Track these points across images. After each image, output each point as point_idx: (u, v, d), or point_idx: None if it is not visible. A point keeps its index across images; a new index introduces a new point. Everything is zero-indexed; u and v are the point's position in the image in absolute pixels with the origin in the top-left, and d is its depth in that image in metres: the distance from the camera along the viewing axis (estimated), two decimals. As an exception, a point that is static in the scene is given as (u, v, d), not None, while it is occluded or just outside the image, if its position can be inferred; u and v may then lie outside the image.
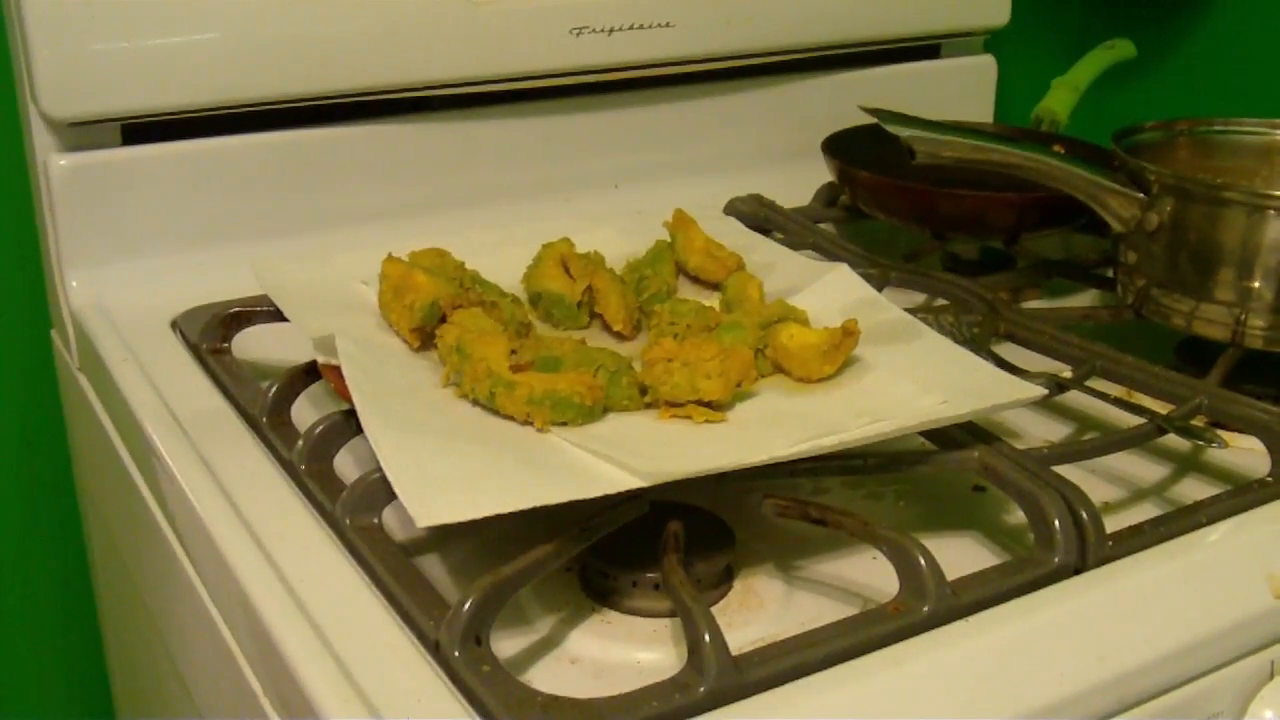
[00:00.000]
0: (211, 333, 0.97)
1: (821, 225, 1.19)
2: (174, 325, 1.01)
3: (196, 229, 1.10)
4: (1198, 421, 0.86)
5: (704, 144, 1.29)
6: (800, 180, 1.25)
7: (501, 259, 0.97)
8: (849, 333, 0.82)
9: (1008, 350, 0.95)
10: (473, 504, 0.65)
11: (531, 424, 0.76)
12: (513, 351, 0.82)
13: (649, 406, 0.79)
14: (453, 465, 0.70)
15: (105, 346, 0.98)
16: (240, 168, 1.10)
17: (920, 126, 0.92)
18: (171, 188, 1.08)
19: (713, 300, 0.94)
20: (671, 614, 0.72)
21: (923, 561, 0.68)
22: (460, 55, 1.15)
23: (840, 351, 0.82)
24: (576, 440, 0.74)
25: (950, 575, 0.69)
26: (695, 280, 0.98)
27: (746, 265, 0.98)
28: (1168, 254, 0.94)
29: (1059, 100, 1.23)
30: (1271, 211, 0.89)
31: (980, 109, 1.40)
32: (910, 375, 0.81)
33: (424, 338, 0.87)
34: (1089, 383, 0.90)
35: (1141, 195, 0.94)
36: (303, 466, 0.80)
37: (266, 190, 1.12)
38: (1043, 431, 0.93)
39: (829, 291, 0.93)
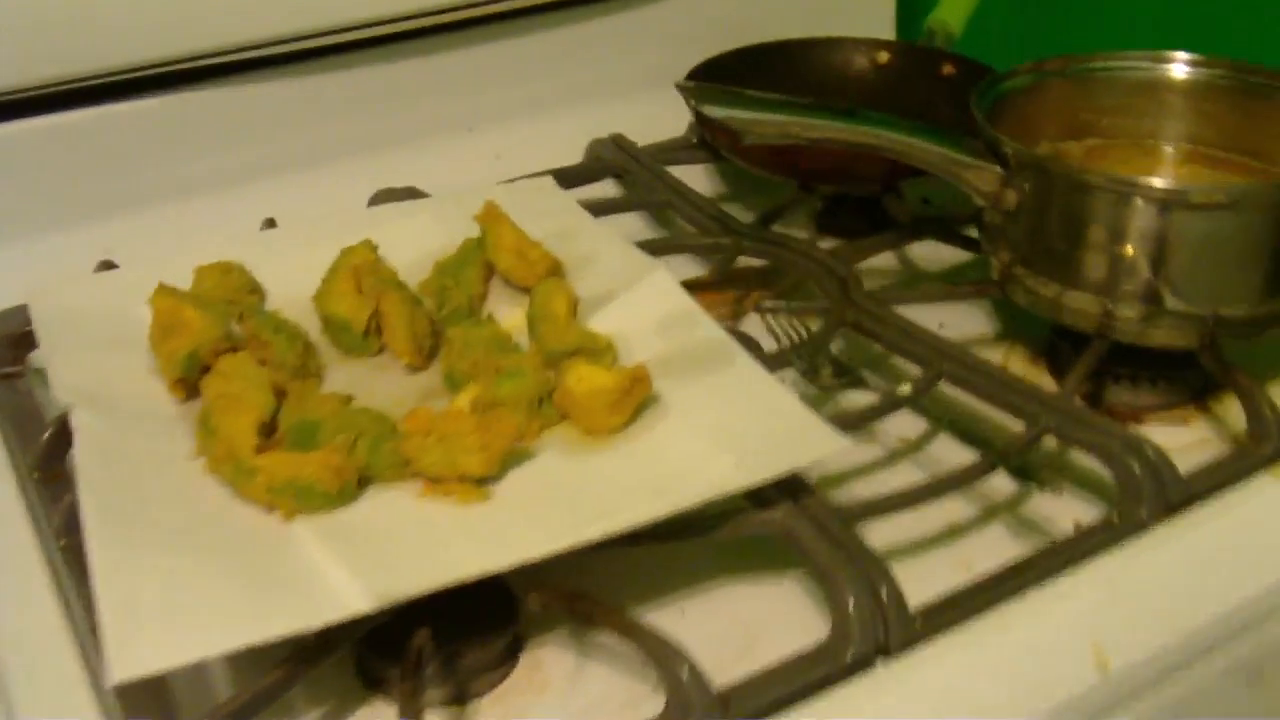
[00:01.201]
0: (-1, 353, 0.89)
1: (683, 170, 1.09)
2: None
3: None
4: (1046, 442, 0.78)
5: (565, 76, 1.18)
6: (674, 111, 1.14)
7: (299, 267, 0.89)
8: (638, 379, 0.74)
9: (854, 345, 0.87)
10: (176, 648, 0.59)
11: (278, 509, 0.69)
12: (278, 403, 0.75)
13: (417, 474, 0.72)
14: (169, 589, 0.63)
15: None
16: (46, 153, 1.01)
17: (745, 105, 0.82)
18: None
19: (521, 310, 0.85)
20: (448, 702, 0.67)
21: (685, 675, 0.62)
22: (289, 9, 1.04)
23: (630, 399, 0.74)
24: (322, 532, 0.67)
25: (764, 639, 0.66)
26: (509, 283, 0.89)
27: (564, 262, 0.89)
28: (1030, 234, 0.85)
29: (952, 10, 1.11)
30: (1138, 198, 0.78)
31: (880, 21, 1.27)
32: (708, 425, 0.73)
33: (189, 388, 0.79)
34: (936, 391, 0.82)
35: (1000, 170, 0.84)
36: (60, 541, 0.73)
37: (77, 175, 1.03)
38: (899, 428, 0.85)
39: (643, 302, 0.84)
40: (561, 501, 0.69)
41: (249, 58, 1.04)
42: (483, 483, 0.71)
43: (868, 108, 0.93)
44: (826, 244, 1.02)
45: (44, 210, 1.03)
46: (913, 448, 0.85)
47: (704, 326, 0.81)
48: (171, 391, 0.79)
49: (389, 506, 0.70)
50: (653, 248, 0.96)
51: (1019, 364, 0.91)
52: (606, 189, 1.11)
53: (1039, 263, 0.85)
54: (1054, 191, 0.82)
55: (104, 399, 0.77)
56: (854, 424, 0.79)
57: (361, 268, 0.85)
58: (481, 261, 0.88)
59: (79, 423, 0.73)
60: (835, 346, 0.88)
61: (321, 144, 1.10)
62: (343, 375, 0.83)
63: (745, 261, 0.96)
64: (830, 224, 1.06)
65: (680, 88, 0.88)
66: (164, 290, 0.82)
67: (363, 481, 0.72)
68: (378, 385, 0.81)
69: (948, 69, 1.08)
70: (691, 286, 0.96)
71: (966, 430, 0.84)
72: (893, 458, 0.84)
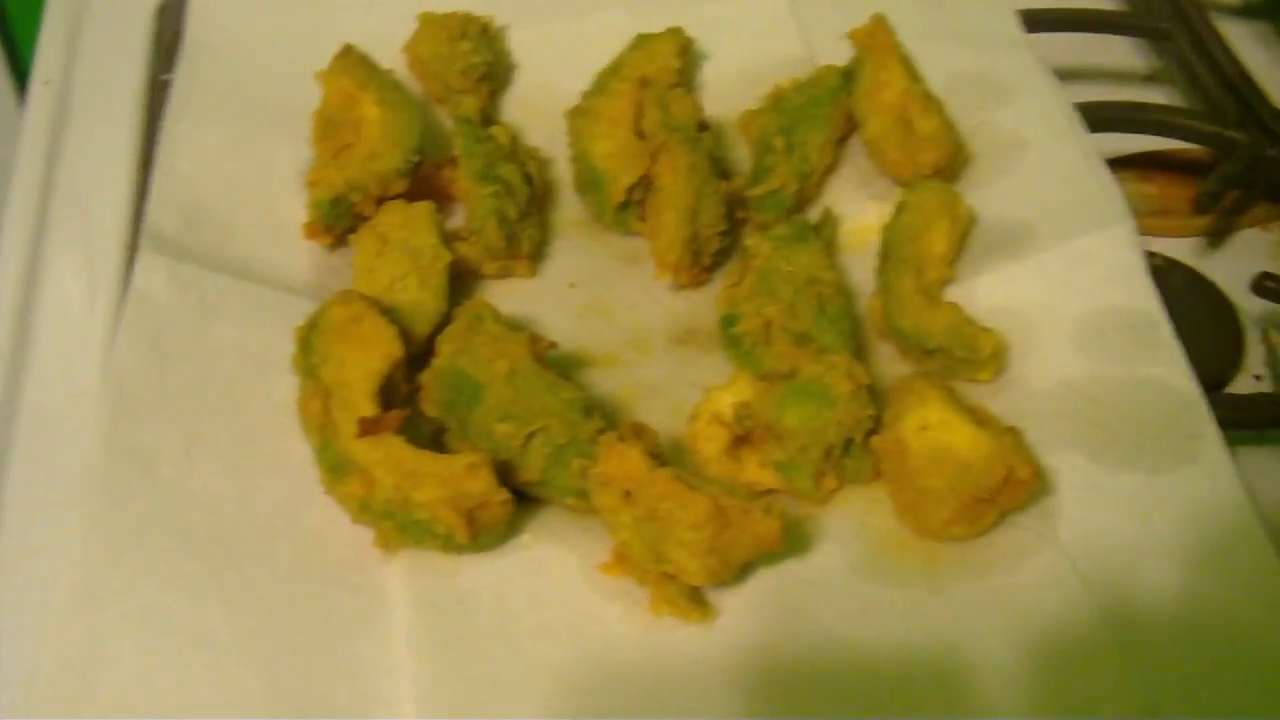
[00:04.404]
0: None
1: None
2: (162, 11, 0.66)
3: None
4: None
5: None
6: None
7: (573, 42, 0.58)
8: (1019, 482, 0.42)
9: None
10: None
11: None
12: (442, 315, 0.47)
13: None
14: (144, 635, 0.39)
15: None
16: None
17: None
18: None
19: (880, 213, 0.53)
20: None
21: None
22: None
23: (991, 508, 0.42)
24: (422, 600, 0.41)
25: None
26: (873, 160, 0.56)
27: (971, 147, 0.55)
28: None
29: None
30: None
31: None
32: (1107, 582, 0.42)
33: (336, 236, 0.52)
34: None
35: None
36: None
37: None
38: None
39: (1077, 272, 0.50)
40: (821, 665, 0.40)
41: None
42: (700, 594, 0.42)
43: None
44: None
45: None
46: None
47: (1164, 354, 0.48)
48: (305, 234, 0.51)
49: (542, 578, 0.43)
50: (1116, 116, 0.60)
51: None
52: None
53: None
54: None
55: (213, 222, 0.51)
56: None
57: (653, 88, 0.54)
58: (841, 114, 0.55)
59: (141, 287, 0.47)
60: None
61: None
62: (574, 256, 0.53)
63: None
64: None
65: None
66: (344, 62, 0.54)
67: (528, 495, 0.44)
68: (619, 289, 0.52)
69: None
70: (1155, 163, 0.62)
71: None
72: None
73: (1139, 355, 0.48)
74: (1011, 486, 0.42)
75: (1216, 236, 0.61)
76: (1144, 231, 0.59)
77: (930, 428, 0.43)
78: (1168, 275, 0.57)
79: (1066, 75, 0.65)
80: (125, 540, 0.41)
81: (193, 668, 0.39)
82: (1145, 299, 0.49)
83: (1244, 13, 0.70)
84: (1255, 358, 0.54)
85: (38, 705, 0.38)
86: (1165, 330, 0.48)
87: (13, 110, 0.83)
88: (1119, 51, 0.69)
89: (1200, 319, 0.55)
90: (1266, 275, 0.54)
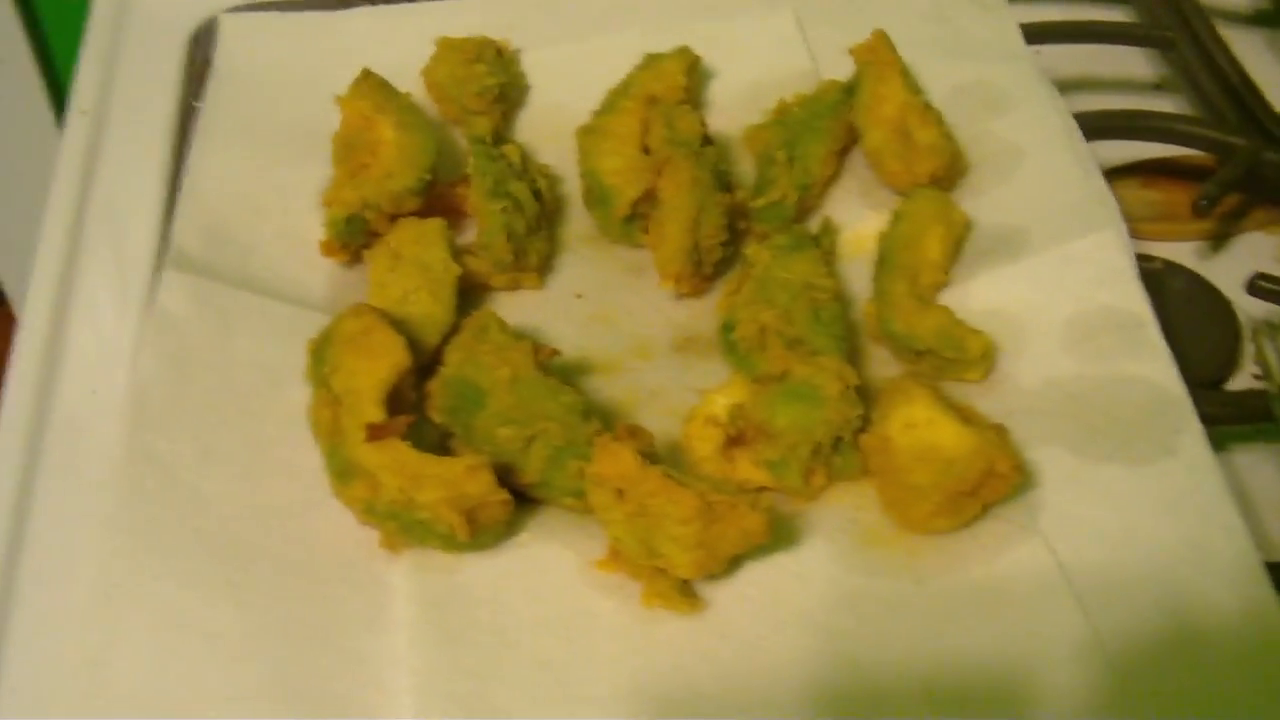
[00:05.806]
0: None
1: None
2: (195, 40, 0.69)
3: None
4: None
5: None
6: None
7: (586, 62, 0.60)
8: (999, 476, 0.43)
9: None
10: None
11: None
12: (450, 326, 0.49)
13: (608, 519, 0.45)
14: (160, 634, 0.41)
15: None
16: None
17: None
18: None
19: (878, 222, 0.54)
20: None
21: None
22: None
23: (974, 501, 0.44)
24: (423, 597, 0.43)
25: None
26: (873, 170, 0.57)
27: (968, 155, 0.56)
28: None
29: None
30: None
31: None
32: (1091, 579, 0.43)
33: (351, 252, 0.54)
34: None
35: None
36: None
37: None
38: None
39: (1065, 276, 0.51)
40: (808, 654, 0.41)
41: None
42: (690, 587, 0.43)
43: None
44: None
45: None
46: None
47: (1150, 353, 0.49)
48: (322, 251, 0.54)
49: (539, 575, 0.44)
50: (1117, 124, 0.61)
51: None
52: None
53: None
54: None
55: (235, 241, 0.54)
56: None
57: (660, 105, 0.56)
58: (842, 126, 0.57)
59: (163, 303, 0.50)
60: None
61: None
62: (581, 268, 0.55)
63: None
64: None
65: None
66: (363, 86, 0.56)
67: (528, 496, 0.46)
68: (624, 299, 0.54)
69: None
70: (1159, 170, 0.63)
71: None
72: None
73: (1125, 354, 0.49)
74: (993, 480, 0.43)
75: (1219, 240, 0.61)
76: (1147, 236, 0.60)
77: (916, 425, 0.45)
78: (1168, 278, 0.58)
79: (1076, 85, 0.66)
80: (143, 542, 0.44)
81: (202, 664, 0.41)
82: (1133, 300, 0.50)
83: (1254, 20, 0.71)
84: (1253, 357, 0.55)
85: (52, 702, 0.40)
86: (1152, 329, 0.49)
87: (53, 138, 0.87)
88: (1130, 61, 0.70)
89: (1200, 320, 0.56)
90: (1261, 275, 0.54)
